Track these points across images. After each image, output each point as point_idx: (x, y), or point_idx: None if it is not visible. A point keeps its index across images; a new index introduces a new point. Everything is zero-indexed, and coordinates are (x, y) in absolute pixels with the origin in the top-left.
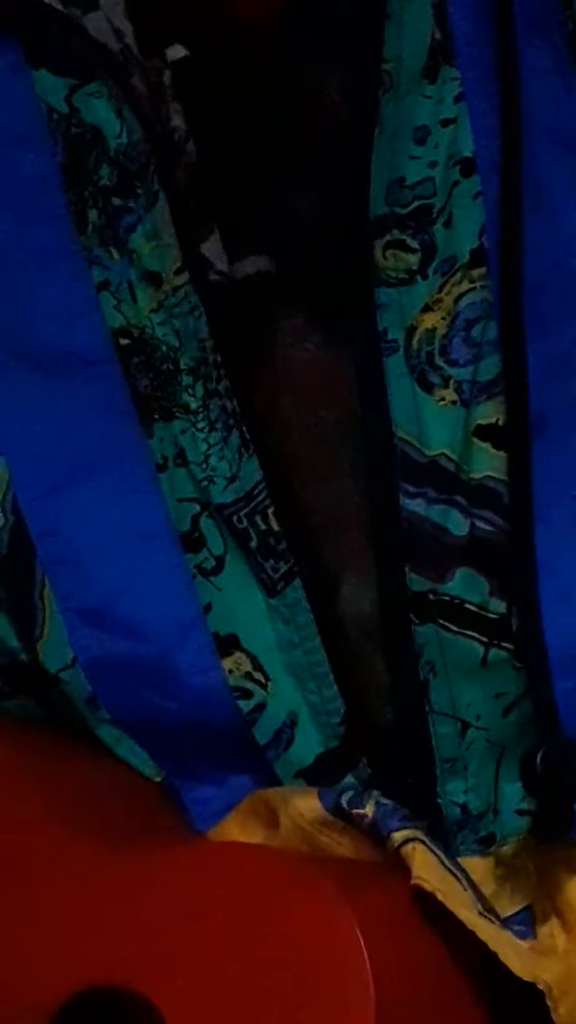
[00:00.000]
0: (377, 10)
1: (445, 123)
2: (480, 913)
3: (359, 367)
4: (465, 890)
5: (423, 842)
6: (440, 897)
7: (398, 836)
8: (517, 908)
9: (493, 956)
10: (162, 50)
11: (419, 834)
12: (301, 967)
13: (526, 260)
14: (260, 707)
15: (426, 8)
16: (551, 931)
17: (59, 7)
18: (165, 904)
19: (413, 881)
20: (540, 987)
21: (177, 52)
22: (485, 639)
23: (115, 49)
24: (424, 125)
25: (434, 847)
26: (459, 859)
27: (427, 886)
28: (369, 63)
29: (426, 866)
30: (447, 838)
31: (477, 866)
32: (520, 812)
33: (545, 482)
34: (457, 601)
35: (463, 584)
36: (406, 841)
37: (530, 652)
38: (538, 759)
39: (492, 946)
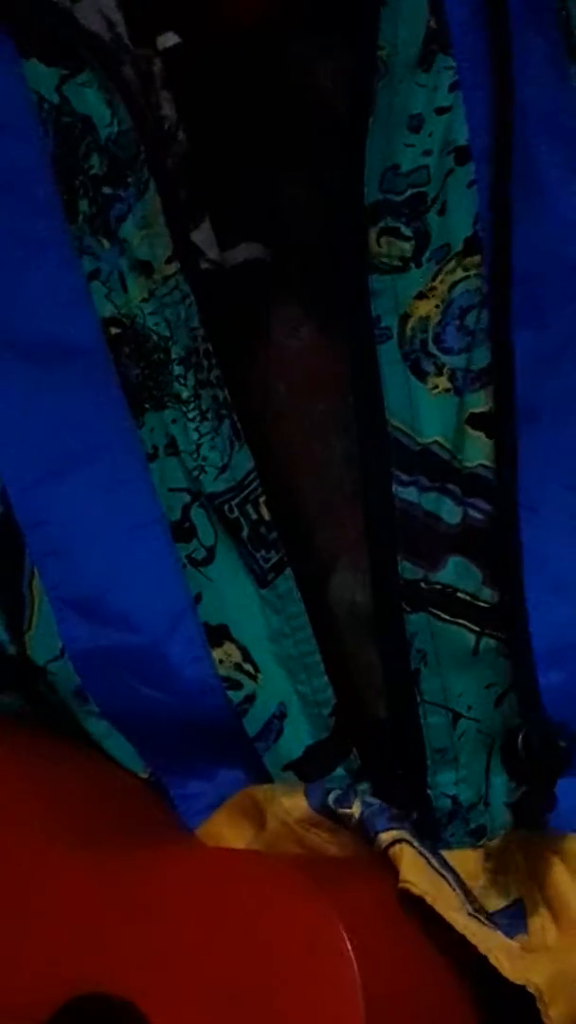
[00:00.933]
0: None
1: (440, 111)
2: (470, 914)
3: (352, 354)
4: (454, 890)
5: (410, 843)
6: (429, 901)
7: (385, 837)
8: (508, 901)
9: (484, 957)
10: (153, 39)
11: (406, 835)
12: (289, 972)
13: (521, 249)
14: (250, 698)
15: None
16: (542, 924)
17: None
18: (153, 910)
19: (401, 885)
20: (531, 991)
21: (168, 40)
22: (477, 628)
23: (105, 38)
24: (419, 113)
25: (422, 848)
26: (449, 852)
27: (415, 890)
28: (364, 50)
29: (414, 869)
30: (437, 830)
31: (468, 859)
32: (510, 804)
33: (536, 472)
34: (449, 590)
35: (455, 573)
36: (394, 842)
37: (515, 640)
38: (519, 742)
39: (482, 949)
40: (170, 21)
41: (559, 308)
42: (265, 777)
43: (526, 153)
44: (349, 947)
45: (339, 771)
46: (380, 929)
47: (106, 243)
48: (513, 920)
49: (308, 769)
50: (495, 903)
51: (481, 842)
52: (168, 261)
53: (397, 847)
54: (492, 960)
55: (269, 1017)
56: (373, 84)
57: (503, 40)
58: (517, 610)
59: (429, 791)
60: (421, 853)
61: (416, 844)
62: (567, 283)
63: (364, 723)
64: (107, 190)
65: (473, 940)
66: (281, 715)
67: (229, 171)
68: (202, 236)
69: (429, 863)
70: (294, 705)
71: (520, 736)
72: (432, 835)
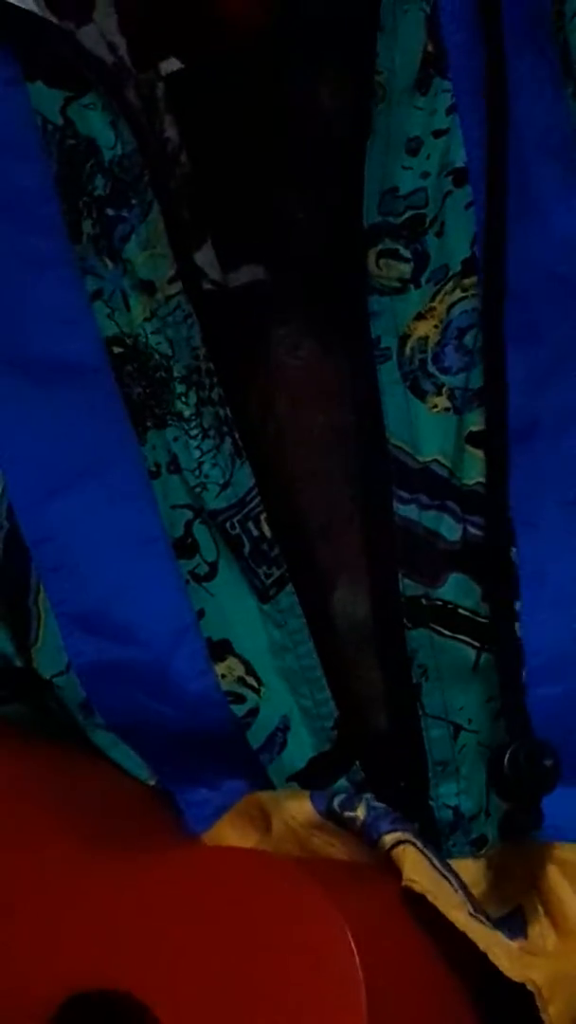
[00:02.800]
0: (370, 22)
1: (437, 134)
2: (471, 914)
3: (353, 374)
4: (456, 891)
5: (414, 844)
6: (431, 899)
7: (389, 838)
8: (508, 909)
9: (484, 957)
10: (156, 63)
11: (410, 836)
12: (293, 971)
13: (517, 267)
14: (253, 712)
15: (419, 21)
16: (541, 931)
17: (54, 20)
18: (159, 908)
19: (404, 883)
20: (530, 988)
21: (171, 65)
22: (477, 644)
23: (109, 62)
24: (416, 136)
25: (425, 849)
26: (451, 861)
27: (418, 888)
28: (362, 75)
29: (417, 868)
30: (439, 840)
31: (468, 868)
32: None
33: (534, 488)
34: (450, 606)
35: (456, 589)
36: (397, 843)
37: (503, 657)
38: (506, 759)
39: (482, 947)
40: (172, 46)
41: (554, 326)
42: (269, 787)
43: (522, 174)
44: (354, 947)
45: (342, 782)
46: (384, 929)
47: (109, 263)
48: (513, 927)
49: (311, 781)
50: (495, 911)
51: (482, 852)
52: (171, 281)
53: (400, 848)
54: (492, 958)
55: (274, 1015)
56: (371, 108)
57: (499, 63)
58: (505, 626)
59: (431, 802)
60: (424, 854)
61: (419, 845)
62: (562, 301)
63: (366, 735)
64: (111, 211)
65: (474, 938)
66: (284, 728)
67: (231, 193)
68: (204, 257)
69: (432, 864)
70: (296, 718)
71: (507, 754)
72: (434, 845)
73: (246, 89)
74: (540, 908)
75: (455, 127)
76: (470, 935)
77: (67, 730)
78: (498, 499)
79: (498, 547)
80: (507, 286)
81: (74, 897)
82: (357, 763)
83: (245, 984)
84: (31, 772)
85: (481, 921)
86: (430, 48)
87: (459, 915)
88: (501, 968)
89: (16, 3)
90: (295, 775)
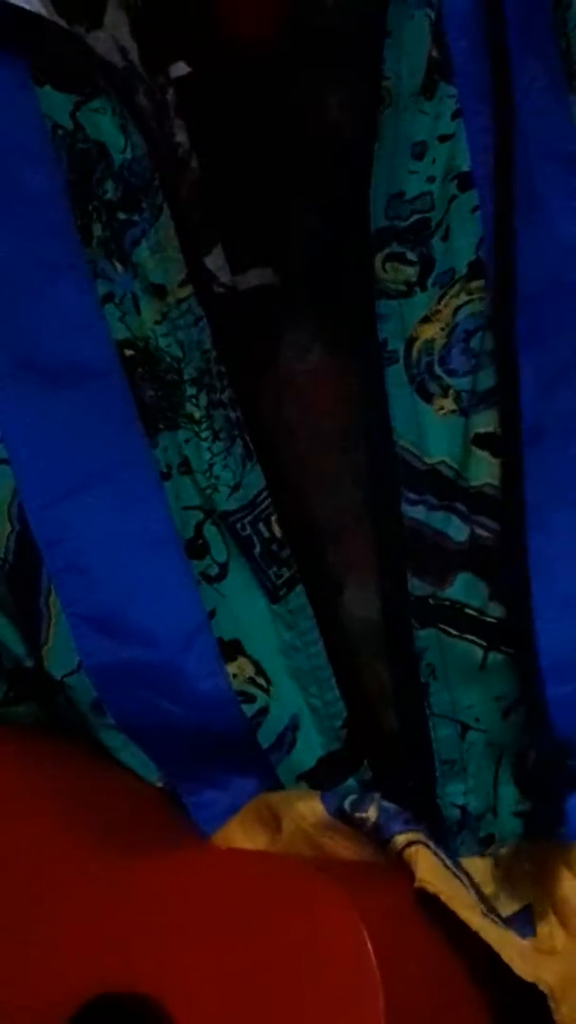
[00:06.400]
0: (377, 28)
1: (443, 139)
2: (483, 914)
3: (361, 377)
4: (468, 891)
5: (426, 845)
6: (444, 900)
7: (401, 839)
8: (516, 908)
9: (496, 957)
10: (166, 67)
11: (422, 837)
12: (311, 971)
13: (523, 273)
14: (263, 711)
15: (424, 27)
16: (550, 930)
17: (64, 25)
18: (174, 910)
19: (417, 884)
20: (542, 988)
21: (180, 69)
22: (484, 643)
23: (119, 66)
24: (422, 141)
25: (437, 850)
26: (459, 860)
27: (432, 889)
28: (369, 80)
29: (430, 869)
30: (446, 839)
31: (476, 867)
32: (517, 814)
33: (544, 490)
34: (458, 605)
35: (463, 589)
36: (409, 844)
37: (523, 656)
38: (530, 759)
39: (496, 948)
40: (181, 50)
41: (561, 332)
42: (278, 787)
43: (528, 179)
44: (370, 947)
45: (350, 782)
46: (398, 929)
47: (120, 267)
48: (522, 926)
49: (320, 780)
50: (504, 909)
51: (490, 850)
52: (181, 285)
53: (412, 848)
54: (505, 958)
55: (292, 1014)
56: (379, 113)
57: (503, 69)
58: (524, 626)
59: (438, 801)
60: (436, 854)
61: (432, 846)
62: (569, 308)
63: (375, 735)
64: (121, 215)
65: (487, 938)
66: (294, 727)
67: (240, 198)
68: (215, 261)
69: (444, 864)
70: (306, 717)
71: (530, 755)
72: (442, 844)
73: (254, 93)
74: (548, 906)
75: (460, 132)
76: (483, 935)
77: (76, 731)
78: (514, 500)
79: (513, 548)
80: (516, 289)
81: (90, 899)
82: (365, 762)
83: (262, 984)
84: (44, 774)
85: (494, 921)
86: (435, 54)
87: (472, 915)
88: (514, 968)
89: (26, 7)
90: (304, 774)
